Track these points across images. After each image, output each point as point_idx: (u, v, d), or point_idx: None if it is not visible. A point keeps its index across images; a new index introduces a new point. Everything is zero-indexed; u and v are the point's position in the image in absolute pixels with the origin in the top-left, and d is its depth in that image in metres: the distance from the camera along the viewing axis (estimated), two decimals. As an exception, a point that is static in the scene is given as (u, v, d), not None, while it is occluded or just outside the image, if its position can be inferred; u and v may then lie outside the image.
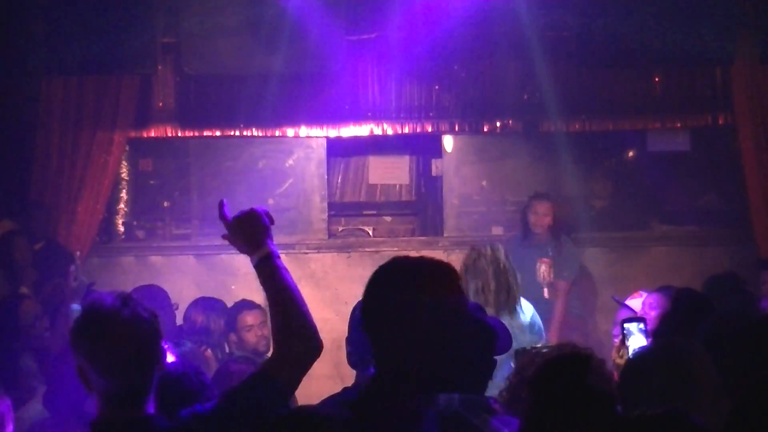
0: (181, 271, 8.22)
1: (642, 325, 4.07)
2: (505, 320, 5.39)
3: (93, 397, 2.55)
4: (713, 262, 7.85)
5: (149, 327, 2.55)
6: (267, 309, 2.71)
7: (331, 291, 8.12)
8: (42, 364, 5.04)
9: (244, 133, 8.29)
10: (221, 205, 2.72)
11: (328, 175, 8.53)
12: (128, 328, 2.51)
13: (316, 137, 8.38)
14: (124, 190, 8.58)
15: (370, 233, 8.75)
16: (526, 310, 5.65)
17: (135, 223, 8.62)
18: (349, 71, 8.16)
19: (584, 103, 8.24)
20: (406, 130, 8.37)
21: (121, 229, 8.61)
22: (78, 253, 6.64)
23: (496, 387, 3.36)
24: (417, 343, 2.27)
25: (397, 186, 8.96)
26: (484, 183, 8.49)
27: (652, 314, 5.49)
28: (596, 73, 8.12)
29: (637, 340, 3.96)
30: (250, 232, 2.67)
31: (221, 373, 4.13)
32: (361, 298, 3.89)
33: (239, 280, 7.52)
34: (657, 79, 8.34)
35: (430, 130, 8.38)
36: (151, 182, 8.72)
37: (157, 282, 6.81)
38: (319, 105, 8.25)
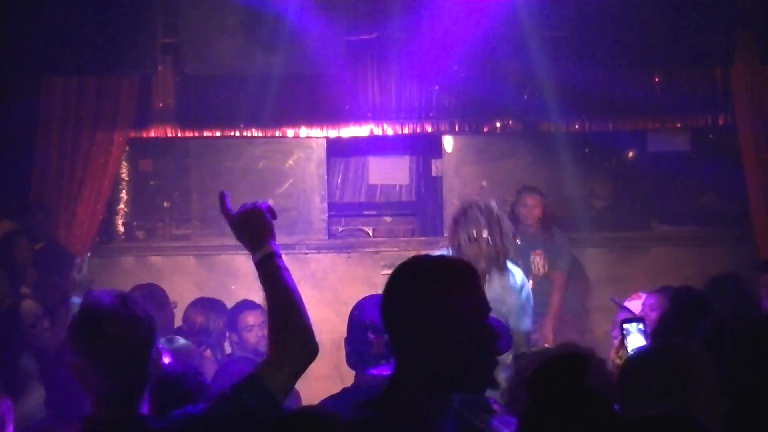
0: (181, 272, 8.22)
1: (641, 326, 4.07)
2: (494, 277, 5.39)
3: (87, 395, 2.55)
4: (713, 262, 7.85)
5: (146, 327, 2.55)
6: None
7: (331, 291, 8.12)
8: (42, 365, 5.04)
9: (244, 133, 8.29)
10: (222, 197, 2.70)
11: (328, 175, 8.53)
12: (124, 327, 2.51)
13: (316, 137, 8.38)
14: (124, 191, 8.58)
15: (370, 233, 8.75)
16: (517, 274, 5.58)
17: (135, 223, 8.62)
18: (349, 71, 8.16)
19: (584, 103, 8.24)
20: (406, 130, 8.37)
21: (121, 229, 8.61)
22: (89, 253, 6.63)
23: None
24: (436, 343, 2.26)
25: (397, 186, 8.96)
26: (484, 183, 8.49)
27: (653, 316, 5.49)
28: (596, 73, 8.11)
29: (636, 341, 3.96)
30: (254, 229, 2.66)
31: (221, 374, 4.13)
32: (359, 299, 3.92)
33: (239, 280, 7.52)
34: (657, 79, 8.34)
35: (430, 130, 8.38)
36: (151, 182, 8.72)
37: (157, 282, 6.81)
38: (319, 105, 8.25)
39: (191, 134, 8.34)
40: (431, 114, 8.38)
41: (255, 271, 2.68)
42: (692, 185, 8.85)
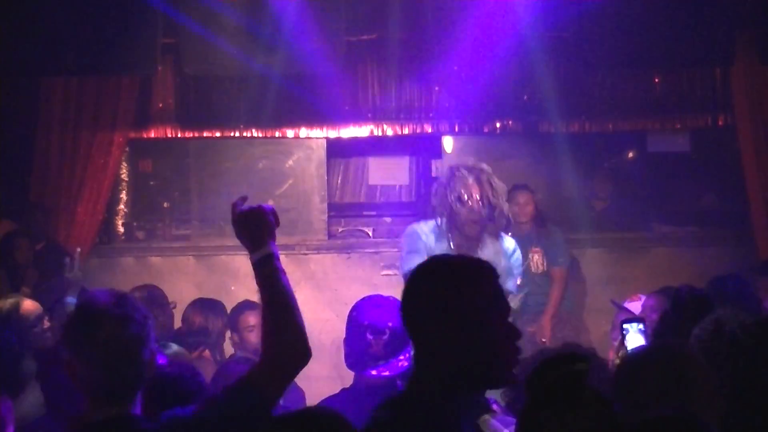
0: (180, 272, 8.22)
1: (641, 326, 4.07)
2: (488, 242, 5.32)
3: (80, 393, 2.56)
4: (713, 262, 7.85)
5: (140, 327, 2.55)
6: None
7: (331, 292, 8.12)
8: (40, 364, 5.03)
9: (244, 133, 8.28)
10: (243, 199, 2.73)
11: (328, 175, 8.53)
12: (118, 326, 2.52)
13: (316, 138, 8.38)
14: (123, 191, 8.58)
15: (370, 234, 8.75)
16: (509, 240, 5.48)
17: (135, 223, 8.62)
18: (349, 72, 8.16)
19: (584, 103, 8.25)
20: (406, 130, 8.37)
21: (121, 229, 8.61)
22: (79, 249, 6.63)
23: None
24: (457, 342, 2.27)
25: (397, 187, 8.96)
26: (484, 183, 8.48)
27: (654, 317, 5.48)
28: (596, 73, 8.12)
29: (635, 341, 3.95)
30: (255, 229, 2.66)
31: (221, 374, 4.13)
32: (358, 300, 3.92)
33: (239, 280, 7.52)
34: (657, 80, 8.34)
35: (429, 130, 8.38)
36: (151, 183, 8.72)
37: (157, 283, 6.82)
38: (319, 106, 8.25)
39: (191, 135, 8.34)
40: (431, 114, 8.38)
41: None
42: (692, 186, 8.85)
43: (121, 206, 8.60)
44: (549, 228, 7.82)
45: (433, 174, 8.74)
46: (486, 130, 8.37)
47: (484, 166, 5.44)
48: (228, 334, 6.41)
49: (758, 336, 2.88)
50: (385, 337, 3.71)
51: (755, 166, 8.11)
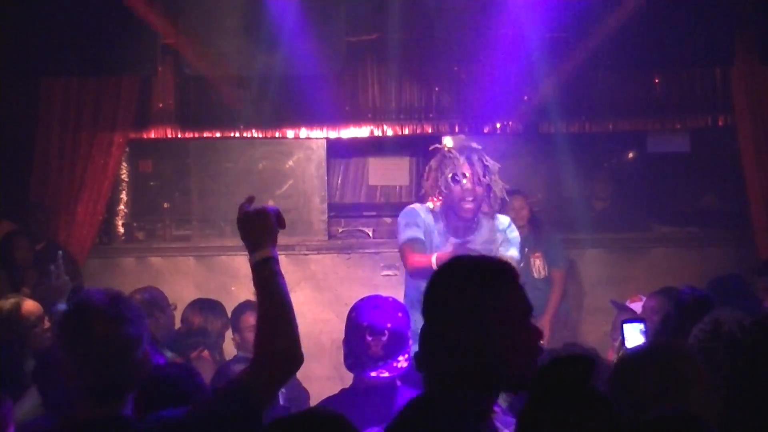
0: (181, 273, 8.22)
1: (642, 326, 4.07)
2: (483, 222, 5.30)
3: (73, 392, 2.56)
4: (713, 263, 7.86)
5: (133, 328, 2.55)
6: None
7: (331, 292, 8.13)
8: (38, 365, 5.03)
9: (244, 134, 8.29)
10: (250, 200, 2.73)
11: (328, 176, 8.53)
12: (111, 326, 2.52)
13: (316, 138, 8.38)
14: (124, 191, 8.58)
15: (370, 234, 8.74)
16: (502, 217, 5.43)
17: (135, 224, 8.62)
18: (349, 72, 8.17)
19: (584, 104, 8.25)
20: (406, 131, 8.37)
21: (121, 230, 8.61)
22: (60, 252, 6.61)
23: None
24: (479, 343, 2.27)
25: (397, 187, 8.95)
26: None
27: (655, 318, 5.48)
28: (596, 74, 8.12)
29: (636, 342, 3.95)
30: (258, 230, 2.66)
31: (221, 374, 4.13)
32: (357, 300, 3.92)
33: (239, 281, 7.52)
34: (657, 80, 8.35)
35: (430, 131, 8.38)
36: (151, 183, 8.71)
37: (157, 283, 6.81)
38: (319, 106, 8.24)
39: (191, 135, 8.34)
40: (431, 115, 8.39)
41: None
42: (692, 186, 8.85)
43: (121, 206, 8.60)
44: (546, 231, 7.80)
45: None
46: (486, 130, 8.37)
47: (474, 144, 5.39)
48: (230, 334, 6.42)
49: (757, 336, 2.87)
50: (384, 338, 3.71)
51: (755, 166, 8.11)
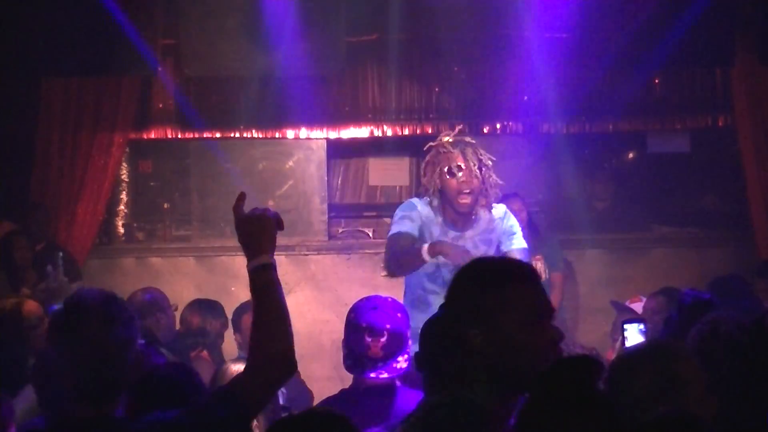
0: (181, 273, 8.22)
1: (641, 326, 4.07)
2: (480, 214, 5.28)
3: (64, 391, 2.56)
4: (713, 263, 7.86)
5: (126, 329, 2.56)
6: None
7: (331, 293, 8.12)
8: (35, 364, 5.03)
9: (244, 134, 8.29)
10: (242, 196, 2.70)
11: (328, 176, 8.52)
12: (103, 326, 2.52)
13: (316, 139, 8.38)
14: (124, 192, 8.58)
15: (371, 235, 8.74)
16: (498, 206, 5.40)
17: (135, 224, 8.62)
18: (349, 73, 8.16)
19: (584, 104, 8.24)
20: (406, 131, 8.37)
21: (121, 230, 8.61)
22: (60, 254, 6.61)
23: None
24: (500, 344, 2.26)
25: (398, 187, 8.95)
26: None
27: (656, 319, 5.47)
28: (596, 74, 8.11)
29: (636, 341, 3.95)
30: (257, 236, 2.65)
31: (220, 374, 4.12)
32: (357, 301, 3.92)
33: (239, 282, 7.52)
34: (657, 81, 8.35)
35: (430, 131, 8.36)
36: (151, 184, 8.71)
37: (157, 284, 6.81)
38: (319, 106, 8.25)
39: (191, 135, 8.34)
40: (431, 115, 8.39)
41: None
42: (692, 186, 8.85)
43: (122, 207, 8.60)
44: (544, 234, 7.78)
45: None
46: (486, 131, 8.36)
47: (468, 138, 5.38)
48: (229, 334, 6.42)
49: (754, 336, 2.88)
50: (384, 338, 3.70)
51: (755, 166, 8.11)
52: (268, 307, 2.60)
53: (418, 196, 5.54)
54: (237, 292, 7.25)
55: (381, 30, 8.00)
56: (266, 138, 8.32)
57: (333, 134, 8.35)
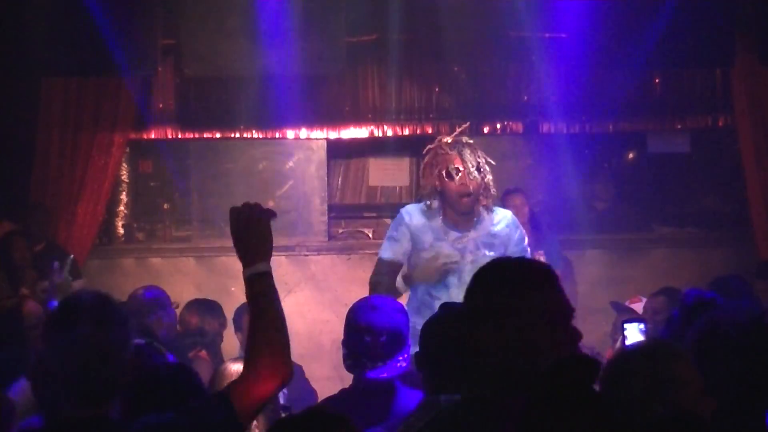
0: (181, 273, 8.22)
1: (642, 326, 4.07)
2: (483, 215, 5.27)
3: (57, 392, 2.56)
4: (713, 263, 7.86)
5: (119, 331, 2.55)
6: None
7: (331, 293, 8.12)
8: (33, 364, 5.03)
9: (244, 134, 8.29)
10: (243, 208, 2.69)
11: (328, 176, 8.52)
12: (97, 327, 2.52)
13: (317, 139, 8.38)
14: (124, 192, 8.58)
15: (370, 235, 8.74)
16: (501, 209, 5.41)
17: (135, 224, 8.62)
18: (350, 73, 8.16)
19: (584, 104, 8.24)
20: (406, 131, 8.37)
21: (121, 230, 8.61)
22: (71, 256, 6.60)
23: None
24: (519, 345, 2.25)
25: (398, 188, 8.94)
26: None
27: (656, 319, 5.47)
28: (596, 74, 8.11)
29: (636, 341, 3.95)
30: (251, 244, 2.65)
31: (220, 374, 4.11)
32: (356, 301, 3.91)
33: (239, 282, 7.43)
34: (657, 81, 8.35)
35: (430, 131, 8.37)
36: (151, 184, 8.71)
37: (157, 284, 6.80)
38: (320, 107, 8.25)
39: (191, 136, 8.34)
40: (431, 115, 8.39)
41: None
42: (692, 187, 8.85)
43: (122, 207, 8.60)
44: (545, 232, 7.79)
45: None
46: (486, 131, 8.36)
47: (466, 138, 5.36)
48: (227, 334, 6.41)
49: (753, 335, 2.87)
50: (383, 338, 3.70)
51: (755, 166, 8.12)
52: (265, 315, 2.60)
53: (419, 199, 5.52)
54: (237, 292, 7.23)
55: (381, 30, 7.99)
56: (266, 138, 8.32)
57: (333, 134, 8.35)
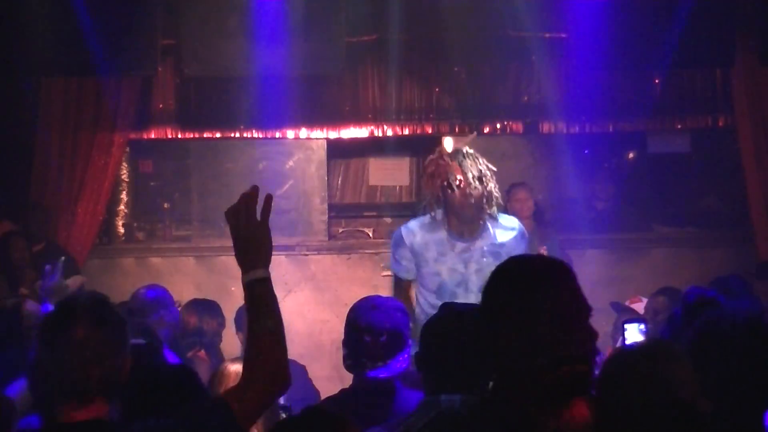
0: (181, 273, 8.22)
1: (642, 326, 4.07)
2: (488, 224, 5.25)
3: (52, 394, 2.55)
4: (713, 263, 7.86)
5: (115, 332, 2.54)
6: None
7: (331, 292, 8.12)
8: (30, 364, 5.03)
9: (245, 134, 8.28)
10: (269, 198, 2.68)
11: (328, 176, 8.52)
12: (94, 329, 2.51)
13: (317, 139, 8.38)
14: (124, 192, 8.58)
15: (371, 235, 8.74)
16: (509, 217, 5.39)
17: (135, 224, 8.62)
18: (350, 73, 8.16)
19: (584, 103, 8.24)
20: (407, 131, 8.37)
21: (121, 230, 8.60)
22: (63, 258, 6.55)
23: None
24: (535, 343, 2.24)
25: (398, 187, 8.95)
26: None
27: (657, 319, 5.47)
28: (596, 74, 8.11)
29: (636, 341, 3.95)
30: (255, 248, 2.65)
31: (219, 374, 4.12)
32: (356, 301, 3.91)
33: (239, 282, 7.47)
34: (657, 80, 8.34)
35: (430, 131, 8.38)
36: (151, 184, 8.71)
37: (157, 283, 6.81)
38: (319, 106, 8.25)
39: (191, 135, 8.34)
40: (431, 115, 8.39)
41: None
42: (692, 186, 8.84)
43: (122, 207, 8.60)
44: (549, 228, 7.81)
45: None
46: (486, 131, 8.36)
47: (466, 148, 5.34)
48: (226, 333, 6.41)
49: (749, 335, 2.87)
50: (383, 338, 3.70)
51: (755, 166, 8.11)
52: (263, 320, 2.61)
53: (423, 210, 5.46)
54: (237, 291, 7.20)
55: (381, 30, 7.99)
56: (266, 138, 8.32)
57: (333, 134, 8.35)
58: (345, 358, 3.79)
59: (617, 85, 8.23)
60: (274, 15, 7.57)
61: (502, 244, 5.23)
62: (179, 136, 8.31)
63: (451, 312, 3.22)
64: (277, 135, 8.31)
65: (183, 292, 7.40)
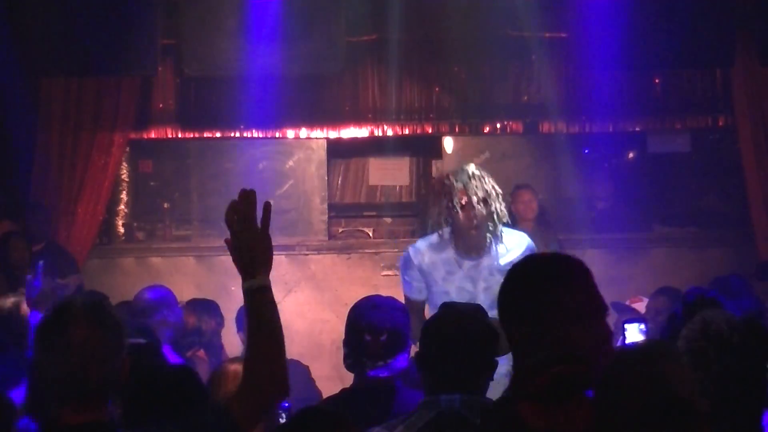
0: (181, 273, 8.22)
1: (642, 326, 4.07)
2: (494, 243, 5.26)
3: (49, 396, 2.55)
4: (713, 263, 7.86)
5: (113, 334, 2.53)
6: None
7: (331, 292, 8.12)
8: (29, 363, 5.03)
9: (245, 134, 8.29)
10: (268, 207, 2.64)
11: (328, 176, 8.52)
12: (91, 330, 2.49)
13: (317, 138, 8.38)
14: (124, 192, 8.58)
15: (371, 234, 8.74)
16: (519, 234, 5.34)
17: (135, 224, 8.62)
18: (350, 72, 8.16)
19: (584, 104, 8.24)
20: (407, 131, 8.38)
21: (121, 230, 8.60)
22: (41, 262, 6.50)
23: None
24: (552, 341, 2.23)
25: (398, 187, 8.95)
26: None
27: (658, 319, 5.46)
28: (596, 74, 8.12)
29: (636, 341, 3.95)
30: (254, 256, 2.64)
31: (219, 373, 4.12)
32: (357, 300, 3.92)
33: (239, 281, 7.48)
34: (657, 81, 8.35)
35: (430, 131, 8.39)
36: (151, 183, 8.71)
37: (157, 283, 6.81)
38: (320, 106, 8.26)
39: (191, 135, 8.34)
40: (431, 115, 8.39)
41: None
42: (692, 186, 8.85)
43: (122, 207, 8.60)
44: (549, 229, 7.81)
45: (434, 174, 8.72)
46: (486, 130, 8.37)
47: (471, 167, 5.26)
48: (225, 333, 6.42)
49: (746, 335, 2.87)
50: (384, 337, 3.70)
51: (755, 166, 8.12)
52: (262, 330, 2.60)
53: (430, 232, 5.43)
54: (237, 291, 7.16)
55: (381, 30, 8.00)
56: (266, 138, 8.32)
57: (333, 134, 8.35)
58: (345, 358, 3.79)
59: (617, 85, 8.23)
60: (274, 15, 7.58)
61: (510, 262, 5.22)
62: (179, 136, 8.32)
63: (451, 312, 3.22)
64: (277, 135, 8.32)
65: (183, 292, 7.40)
